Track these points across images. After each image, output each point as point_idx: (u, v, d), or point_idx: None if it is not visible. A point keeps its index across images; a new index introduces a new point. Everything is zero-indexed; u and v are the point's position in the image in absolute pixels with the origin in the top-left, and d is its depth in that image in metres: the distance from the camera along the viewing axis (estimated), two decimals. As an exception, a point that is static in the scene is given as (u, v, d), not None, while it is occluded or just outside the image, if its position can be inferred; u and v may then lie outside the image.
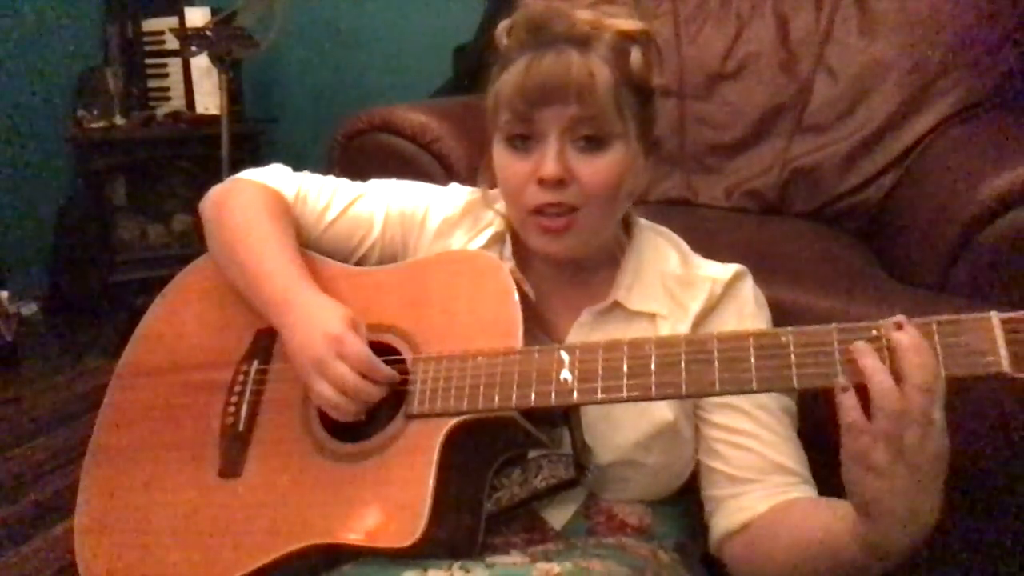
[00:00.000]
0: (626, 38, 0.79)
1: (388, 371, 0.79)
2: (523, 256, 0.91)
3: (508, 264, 0.87)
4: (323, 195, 0.97)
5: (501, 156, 0.83)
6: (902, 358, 0.60)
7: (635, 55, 0.79)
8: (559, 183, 0.79)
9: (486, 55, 0.87)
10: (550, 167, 0.78)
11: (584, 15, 0.78)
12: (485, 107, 0.85)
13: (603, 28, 0.78)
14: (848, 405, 0.62)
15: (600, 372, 0.72)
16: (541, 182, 0.79)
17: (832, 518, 0.70)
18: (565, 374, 0.73)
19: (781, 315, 0.91)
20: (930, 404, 0.59)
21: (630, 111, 0.80)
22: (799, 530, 0.75)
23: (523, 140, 0.81)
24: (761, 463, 0.81)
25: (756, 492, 0.80)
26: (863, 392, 0.61)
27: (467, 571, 0.70)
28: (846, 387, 0.62)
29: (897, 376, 0.60)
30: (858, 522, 0.65)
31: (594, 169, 0.79)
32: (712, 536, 0.84)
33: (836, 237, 1.49)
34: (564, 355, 0.74)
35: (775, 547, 0.77)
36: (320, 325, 0.81)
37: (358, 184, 1.00)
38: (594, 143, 0.79)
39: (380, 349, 0.83)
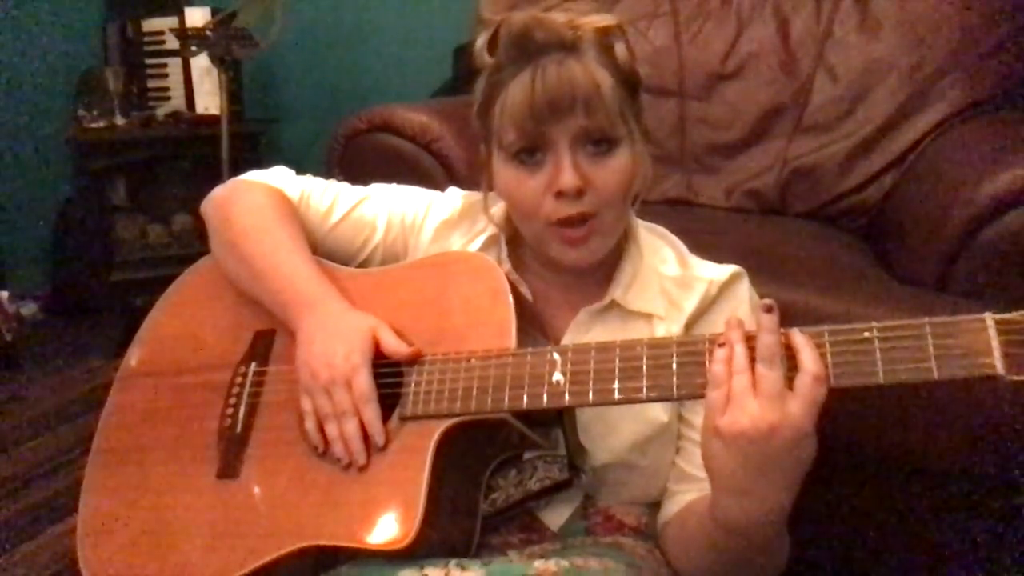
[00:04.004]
0: (606, 34, 0.79)
1: (377, 425, 0.78)
2: (520, 257, 0.91)
3: (505, 266, 0.87)
4: (326, 198, 0.97)
5: (508, 174, 0.82)
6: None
7: (620, 49, 0.79)
8: (578, 193, 0.78)
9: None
10: (568, 179, 0.77)
11: (561, 18, 0.78)
12: (473, 117, 0.85)
13: (582, 28, 0.78)
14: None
15: (592, 374, 0.72)
16: (559, 195, 0.78)
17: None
18: (557, 376, 0.73)
19: (780, 315, 0.90)
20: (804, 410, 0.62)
21: (629, 109, 0.80)
22: (697, 520, 0.77)
23: (530, 154, 0.80)
24: None
25: (703, 490, 0.80)
26: None
27: (463, 569, 0.70)
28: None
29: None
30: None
31: (607, 173, 0.79)
32: (657, 525, 0.86)
33: (836, 237, 1.49)
34: (556, 356, 0.74)
35: (684, 538, 0.81)
36: (343, 341, 0.80)
37: (360, 188, 1.00)
38: (603, 147, 0.79)
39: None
